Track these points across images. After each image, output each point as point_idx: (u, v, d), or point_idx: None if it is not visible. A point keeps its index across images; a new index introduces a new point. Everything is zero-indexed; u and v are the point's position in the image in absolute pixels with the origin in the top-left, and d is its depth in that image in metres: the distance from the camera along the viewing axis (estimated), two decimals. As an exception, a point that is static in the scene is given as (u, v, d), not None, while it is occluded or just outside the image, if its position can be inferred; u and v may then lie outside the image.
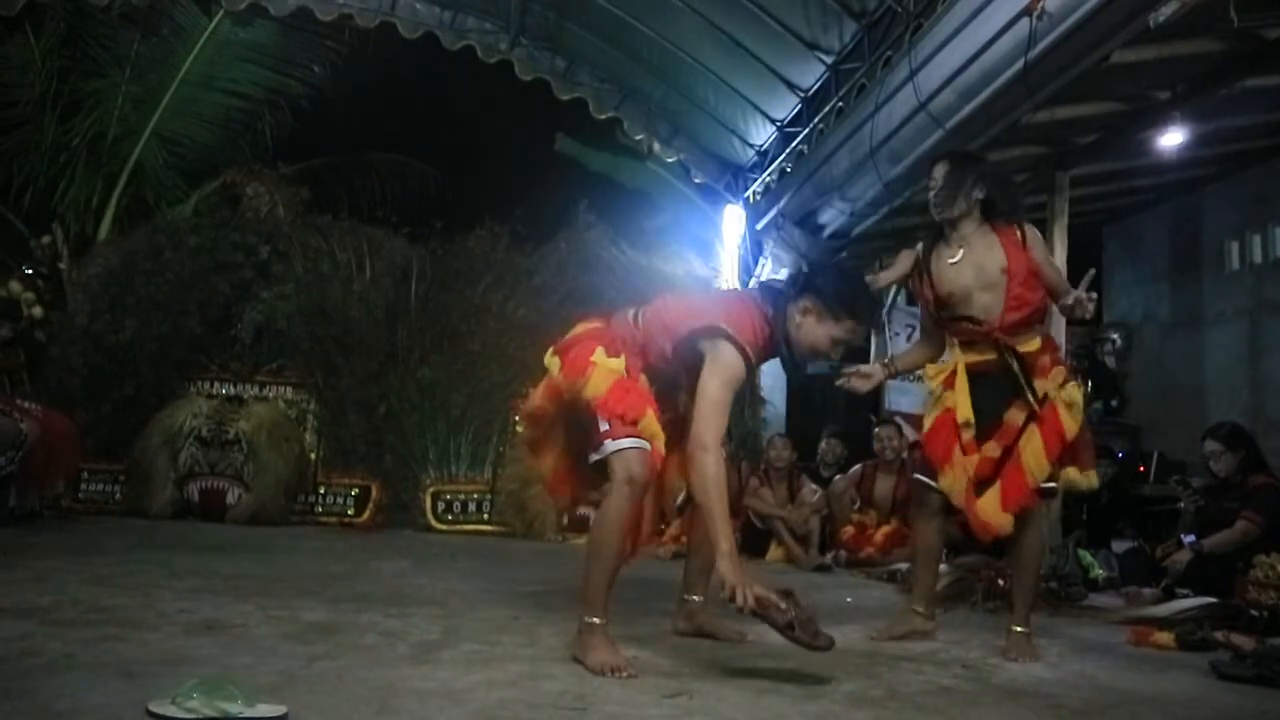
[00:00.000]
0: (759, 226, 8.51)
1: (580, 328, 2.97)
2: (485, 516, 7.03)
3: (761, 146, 8.73)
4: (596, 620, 2.65)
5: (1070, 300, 3.11)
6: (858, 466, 6.63)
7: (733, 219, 9.04)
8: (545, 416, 3.01)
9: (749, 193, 9.03)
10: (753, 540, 6.30)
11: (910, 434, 7.59)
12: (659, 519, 3.21)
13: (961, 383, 3.25)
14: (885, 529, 6.18)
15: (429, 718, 2.06)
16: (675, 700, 2.31)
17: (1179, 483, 5.53)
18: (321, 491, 7.06)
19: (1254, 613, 3.68)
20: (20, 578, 3.55)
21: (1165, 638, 3.52)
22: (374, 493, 7.03)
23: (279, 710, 1.96)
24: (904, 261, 3.42)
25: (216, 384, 7.15)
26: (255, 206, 7.89)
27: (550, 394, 2.93)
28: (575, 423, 2.90)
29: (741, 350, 2.77)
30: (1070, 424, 3.10)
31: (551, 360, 2.90)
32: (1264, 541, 4.25)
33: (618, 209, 9.36)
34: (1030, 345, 3.18)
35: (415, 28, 8.33)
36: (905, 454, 6.70)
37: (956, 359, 3.31)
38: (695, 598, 3.18)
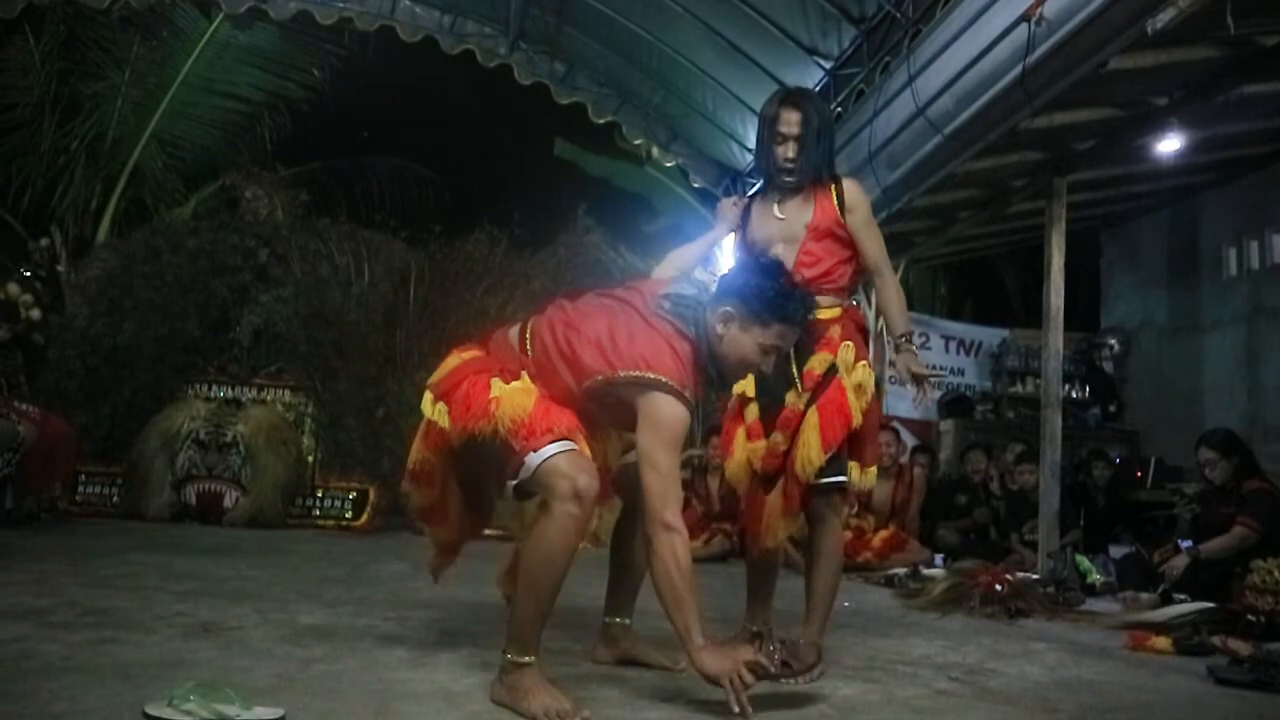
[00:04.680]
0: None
1: (454, 360, 2.50)
2: (483, 520, 7.01)
3: (760, 151, 8.73)
4: (528, 660, 2.22)
5: (905, 366, 2.86)
6: (855, 471, 6.62)
7: (731, 223, 9.02)
8: (434, 472, 2.54)
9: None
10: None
11: (909, 439, 7.61)
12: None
13: None
14: (883, 534, 6.21)
15: (426, 721, 2.06)
16: (672, 703, 2.32)
17: (1174, 492, 5.54)
18: (319, 495, 7.05)
19: (1251, 617, 3.70)
20: (18, 580, 3.55)
21: (1162, 642, 3.53)
22: (372, 496, 7.02)
23: (276, 713, 1.96)
24: (728, 213, 3.13)
25: (214, 387, 7.16)
26: (254, 209, 7.88)
27: (435, 444, 2.49)
28: (469, 459, 2.48)
29: (680, 397, 2.30)
30: (856, 409, 2.72)
31: (436, 408, 2.44)
32: (1260, 546, 4.27)
33: (616, 213, 9.39)
34: (825, 313, 2.80)
35: (415, 31, 8.32)
36: (903, 459, 6.74)
37: None
38: (621, 620, 2.77)
